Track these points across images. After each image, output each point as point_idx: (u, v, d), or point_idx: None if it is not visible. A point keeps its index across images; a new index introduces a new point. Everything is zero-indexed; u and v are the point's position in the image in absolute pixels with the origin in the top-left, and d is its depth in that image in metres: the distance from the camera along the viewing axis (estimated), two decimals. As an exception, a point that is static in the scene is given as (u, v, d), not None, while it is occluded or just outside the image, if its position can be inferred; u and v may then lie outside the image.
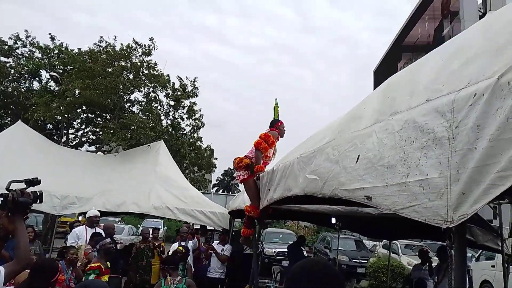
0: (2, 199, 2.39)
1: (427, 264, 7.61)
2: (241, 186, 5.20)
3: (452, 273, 1.57)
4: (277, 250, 15.46)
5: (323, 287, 1.16)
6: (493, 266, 12.20)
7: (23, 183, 2.59)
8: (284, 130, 5.19)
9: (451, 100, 1.45)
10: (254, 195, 4.56)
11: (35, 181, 2.65)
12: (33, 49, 14.39)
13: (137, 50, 13.27)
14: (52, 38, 14.59)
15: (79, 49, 14.14)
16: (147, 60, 13.56)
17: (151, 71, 13.52)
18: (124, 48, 13.13)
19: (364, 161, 1.95)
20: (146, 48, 13.38)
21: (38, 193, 2.59)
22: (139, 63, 13.30)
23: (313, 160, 2.63)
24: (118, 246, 5.43)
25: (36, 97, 12.26)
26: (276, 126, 5.08)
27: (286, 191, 3.20)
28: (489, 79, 1.31)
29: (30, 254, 6.15)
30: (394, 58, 12.01)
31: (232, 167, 4.99)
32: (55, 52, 14.45)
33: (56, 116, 11.92)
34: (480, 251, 12.33)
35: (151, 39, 13.48)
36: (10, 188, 2.45)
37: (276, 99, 5.20)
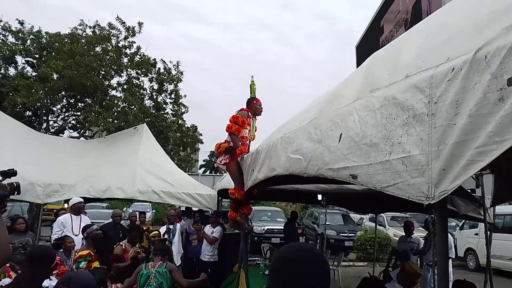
0: None
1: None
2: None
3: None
4: (266, 227, 15.68)
5: (309, 275, 1.14)
6: (476, 234, 12.62)
7: None
8: (261, 108, 5.07)
9: (429, 76, 1.44)
10: (238, 178, 4.54)
11: (11, 173, 2.59)
12: (6, 34, 13.88)
13: (119, 30, 12.88)
14: (21, 23, 14.09)
15: (58, 32, 13.71)
16: (130, 42, 13.19)
17: (135, 57, 13.18)
18: (106, 28, 12.73)
19: (347, 139, 1.94)
20: (130, 30, 12.99)
21: (15, 185, 2.51)
22: (121, 46, 12.94)
23: (295, 140, 2.62)
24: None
25: (16, 80, 11.84)
26: (252, 104, 4.98)
27: (270, 171, 3.19)
28: (466, 54, 1.29)
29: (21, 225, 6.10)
30: (376, 32, 11.95)
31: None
32: (30, 37, 13.97)
33: (37, 101, 11.55)
34: (464, 220, 12.67)
35: (139, 24, 13.16)
36: None
37: (252, 76, 5.06)
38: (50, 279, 3.54)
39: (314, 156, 2.26)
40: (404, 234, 8.49)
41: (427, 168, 1.41)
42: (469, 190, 6.33)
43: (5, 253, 2.33)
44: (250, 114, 4.96)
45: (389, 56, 2.00)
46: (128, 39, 13.28)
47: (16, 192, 2.49)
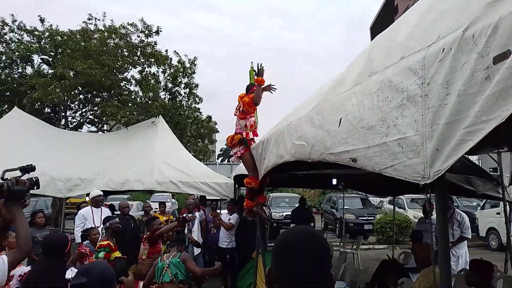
0: None
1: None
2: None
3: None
4: (284, 213, 15.77)
5: (308, 258, 1.15)
6: (498, 213, 12.36)
7: (18, 171, 2.60)
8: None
9: (421, 57, 1.44)
10: (252, 167, 4.58)
11: (29, 168, 2.65)
12: (21, 33, 14.14)
13: (138, 28, 12.87)
14: (42, 20, 14.31)
15: (69, 29, 13.89)
16: (146, 41, 13.18)
17: (150, 50, 13.20)
18: (125, 25, 12.76)
19: (345, 124, 1.95)
20: (148, 30, 12.98)
21: (34, 180, 2.58)
22: (137, 42, 12.97)
23: (299, 126, 2.64)
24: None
25: (34, 79, 12.08)
26: (252, 90, 4.85)
27: (278, 158, 3.23)
28: (455, 32, 1.29)
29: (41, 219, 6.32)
30: (390, 12, 11.69)
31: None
32: (45, 35, 14.20)
33: (55, 99, 11.76)
34: (484, 200, 12.44)
35: (157, 29, 13.17)
36: (4, 177, 2.46)
37: (251, 62, 4.94)
38: (72, 270, 3.68)
39: (316, 142, 2.28)
40: (423, 215, 8.40)
41: (422, 149, 1.42)
42: (490, 169, 6.23)
43: (27, 247, 2.42)
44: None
45: (386, 38, 1.99)
46: (147, 39, 13.24)
47: (35, 187, 2.57)
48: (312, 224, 11.42)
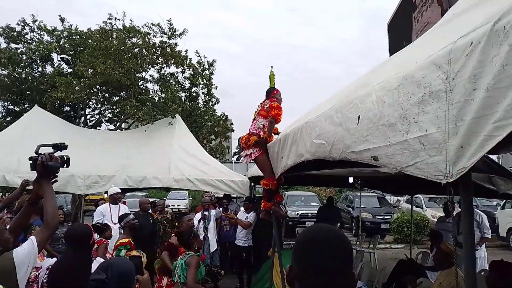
0: (31, 162, 2.46)
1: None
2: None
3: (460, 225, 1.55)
4: (300, 212, 15.73)
5: (329, 255, 1.13)
6: (519, 213, 12.10)
7: (51, 147, 2.64)
8: (281, 99, 4.93)
9: (448, 51, 1.39)
10: (269, 169, 4.55)
11: (62, 146, 2.70)
12: (42, 33, 14.40)
13: (162, 29, 12.89)
14: (62, 20, 14.54)
15: (89, 29, 14.07)
16: (167, 42, 13.19)
17: (170, 51, 13.21)
18: (149, 25, 12.82)
19: (365, 121, 1.91)
20: (172, 31, 12.99)
21: (65, 158, 2.63)
22: (158, 44, 13.01)
23: (318, 124, 2.60)
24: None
25: (56, 78, 12.26)
26: (272, 94, 4.87)
27: (298, 157, 3.19)
28: (485, 26, 1.24)
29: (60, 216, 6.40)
30: (408, 8, 11.49)
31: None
32: (64, 35, 14.42)
33: (75, 98, 11.92)
34: (505, 199, 12.16)
35: (183, 31, 13.23)
36: (39, 151, 2.50)
37: (271, 66, 4.99)
38: (98, 261, 3.70)
39: (336, 140, 2.25)
40: (443, 214, 8.24)
41: (445, 146, 1.38)
42: (511, 168, 6.08)
43: (53, 222, 2.46)
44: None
45: (419, 45, 1.94)
46: (170, 40, 13.25)
47: (65, 165, 2.61)
48: (338, 224, 11.19)
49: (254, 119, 4.89)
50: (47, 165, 2.45)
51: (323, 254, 1.13)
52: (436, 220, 14.48)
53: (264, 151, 4.61)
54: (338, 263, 1.14)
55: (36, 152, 2.49)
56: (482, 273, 5.11)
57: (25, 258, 2.25)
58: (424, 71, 1.51)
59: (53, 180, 2.56)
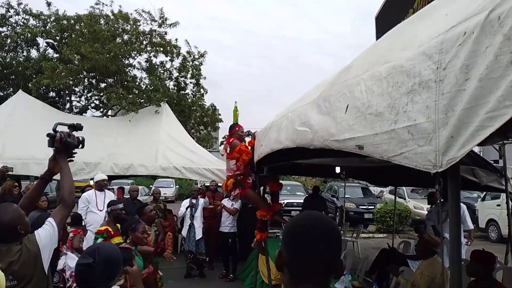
0: (49, 138, 2.44)
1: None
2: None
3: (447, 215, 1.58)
4: (285, 201, 15.75)
5: (318, 241, 1.13)
6: (498, 205, 12.38)
7: (67, 127, 2.61)
8: (243, 135, 4.84)
9: (439, 41, 1.38)
10: (259, 201, 4.58)
11: (78, 127, 2.67)
12: (27, 17, 14.03)
13: (153, 17, 12.65)
14: (48, 4, 14.19)
15: (77, 13, 13.77)
16: (157, 31, 12.97)
17: (159, 40, 12.98)
18: (140, 12, 12.57)
19: (353, 110, 1.90)
20: (162, 20, 12.74)
21: (81, 139, 2.60)
22: (147, 31, 12.79)
23: (304, 113, 2.58)
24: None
25: (42, 63, 11.97)
26: (234, 131, 4.80)
27: (277, 143, 3.16)
28: (478, 15, 1.23)
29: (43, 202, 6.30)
30: (396, 2, 11.51)
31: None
32: (51, 19, 14.08)
33: (61, 83, 11.68)
34: (485, 191, 12.44)
35: (175, 23, 13.05)
36: (56, 129, 2.48)
37: (235, 102, 4.90)
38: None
39: (320, 128, 2.23)
40: (432, 205, 8.28)
41: (434, 136, 1.38)
42: (492, 161, 6.19)
43: (70, 199, 2.49)
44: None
45: (405, 31, 1.93)
46: (160, 28, 13.03)
47: (81, 146, 2.58)
48: (323, 213, 11.29)
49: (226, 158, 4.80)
50: (66, 141, 2.43)
51: (313, 240, 1.13)
52: (418, 211, 14.81)
53: (248, 186, 4.55)
54: (328, 250, 1.13)
55: (54, 129, 2.45)
56: (462, 263, 5.24)
57: (47, 240, 2.29)
58: (413, 61, 1.50)
59: (69, 159, 2.54)
